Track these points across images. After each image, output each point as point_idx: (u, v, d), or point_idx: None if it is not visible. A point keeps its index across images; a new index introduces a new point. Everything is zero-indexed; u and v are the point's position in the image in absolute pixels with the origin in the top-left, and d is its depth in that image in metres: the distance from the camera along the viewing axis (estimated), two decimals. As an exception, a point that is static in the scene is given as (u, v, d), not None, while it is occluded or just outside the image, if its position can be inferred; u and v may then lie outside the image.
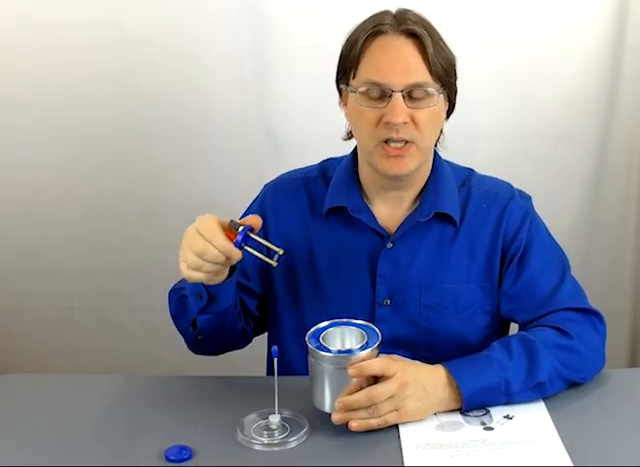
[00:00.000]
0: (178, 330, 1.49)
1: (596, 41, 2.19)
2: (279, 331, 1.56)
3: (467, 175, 1.54)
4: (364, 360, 1.23)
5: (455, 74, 1.43)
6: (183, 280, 1.39)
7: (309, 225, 1.53)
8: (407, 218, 1.48)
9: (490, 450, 1.20)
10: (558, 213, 2.26)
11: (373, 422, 1.24)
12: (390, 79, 1.36)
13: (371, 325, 1.30)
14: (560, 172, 2.30)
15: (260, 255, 1.30)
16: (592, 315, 1.43)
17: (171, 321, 1.49)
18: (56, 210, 2.32)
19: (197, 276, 1.30)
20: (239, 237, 1.27)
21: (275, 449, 1.22)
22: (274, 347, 1.26)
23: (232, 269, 1.36)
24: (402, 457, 1.19)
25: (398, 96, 1.36)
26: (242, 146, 2.27)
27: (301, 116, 2.23)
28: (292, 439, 1.23)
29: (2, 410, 1.37)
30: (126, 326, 2.42)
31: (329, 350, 1.24)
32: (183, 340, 1.51)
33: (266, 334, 1.63)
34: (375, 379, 1.25)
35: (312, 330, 1.29)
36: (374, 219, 1.48)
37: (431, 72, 1.37)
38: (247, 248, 1.29)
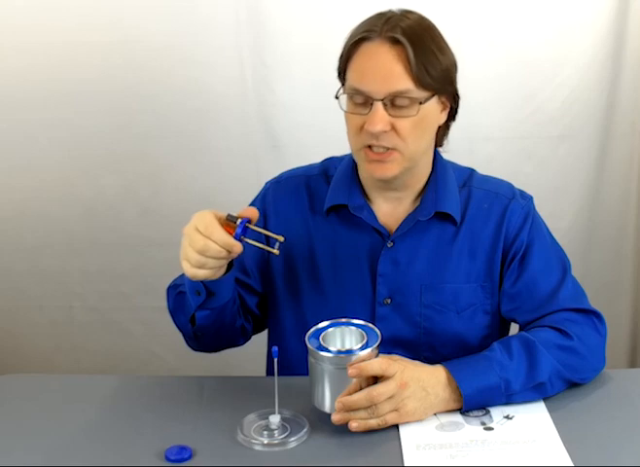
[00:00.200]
0: (176, 326, 1.49)
1: (596, 41, 2.19)
2: (279, 329, 1.56)
3: (468, 175, 1.54)
4: (364, 360, 1.23)
5: (452, 79, 1.41)
6: (181, 276, 1.39)
7: (310, 223, 1.53)
8: (407, 217, 1.48)
9: (490, 450, 1.20)
10: (558, 213, 2.26)
11: (373, 423, 1.24)
12: (371, 87, 1.35)
13: (370, 325, 1.30)
14: (560, 172, 2.30)
15: (260, 245, 1.30)
16: (593, 316, 1.43)
17: (171, 321, 1.49)
18: (56, 210, 2.32)
19: (202, 274, 1.29)
20: (238, 230, 1.27)
21: (275, 449, 1.22)
22: (274, 348, 1.26)
23: (230, 265, 1.36)
24: (402, 457, 1.19)
25: (378, 105, 1.35)
26: (242, 146, 2.27)
27: (301, 116, 2.23)
28: (292, 439, 1.23)
29: (2, 410, 1.37)
30: (126, 326, 2.42)
31: (329, 351, 1.24)
32: (183, 339, 1.51)
33: (267, 333, 1.63)
34: (375, 380, 1.25)
35: (312, 330, 1.29)
36: (375, 217, 1.48)
37: (414, 80, 1.34)
38: (247, 240, 1.29)
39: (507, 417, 1.29)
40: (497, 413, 1.30)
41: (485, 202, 1.50)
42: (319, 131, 2.16)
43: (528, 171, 2.26)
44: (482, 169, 1.58)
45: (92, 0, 2.17)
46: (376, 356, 1.26)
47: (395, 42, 1.35)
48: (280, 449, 1.22)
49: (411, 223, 1.47)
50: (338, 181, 1.52)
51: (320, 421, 1.27)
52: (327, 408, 1.26)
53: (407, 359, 1.30)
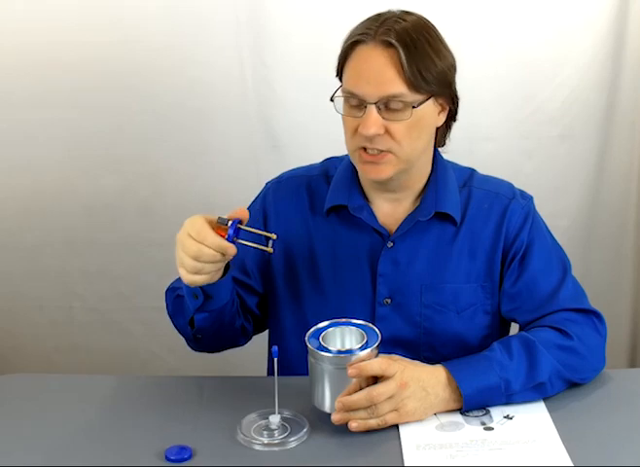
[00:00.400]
0: (176, 328, 1.49)
1: (596, 41, 2.19)
2: (279, 329, 1.56)
3: (468, 175, 1.54)
4: (363, 360, 1.23)
5: (449, 82, 1.41)
6: (179, 279, 1.39)
7: (310, 223, 1.53)
8: (407, 217, 1.48)
9: (490, 450, 1.20)
10: (558, 213, 2.26)
11: (373, 423, 1.24)
12: (364, 90, 1.35)
13: (370, 325, 1.30)
14: (560, 172, 2.30)
15: (254, 244, 1.29)
16: (593, 316, 1.43)
17: (171, 321, 1.50)
18: (56, 210, 2.32)
19: (199, 279, 1.29)
20: (230, 231, 1.26)
21: (275, 448, 1.22)
22: (274, 347, 1.26)
23: (227, 267, 1.36)
24: (402, 457, 1.19)
25: (371, 108, 1.35)
26: (242, 146, 2.27)
27: (301, 116, 2.23)
28: (292, 439, 1.23)
29: (2, 410, 1.37)
30: (126, 326, 2.42)
31: (329, 351, 1.24)
32: (183, 338, 1.51)
33: (267, 333, 1.63)
34: (375, 380, 1.25)
35: (312, 330, 1.29)
36: (375, 218, 1.48)
37: (407, 83, 1.34)
38: (240, 241, 1.28)
39: (507, 417, 1.29)
40: (497, 413, 1.30)
41: (486, 202, 1.50)
42: (319, 132, 2.16)
43: (528, 171, 2.26)
44: (482, 169, 1.58)
45: (92, 0, 2.16)
46: (376, 356, 1.26)
47: (388, 45, 1.34)
48: (280, 448, 1.22)
49: (411, 223, 1.47)
50: (338, 181, 1.52)
51: (320, 421, 1.27)
52: (327, 408, 1.26)
53: (406, 359, 1.30)
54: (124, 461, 1.20)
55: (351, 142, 1.40)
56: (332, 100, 1.41)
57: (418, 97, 1.36)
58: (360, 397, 1.23)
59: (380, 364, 1.24)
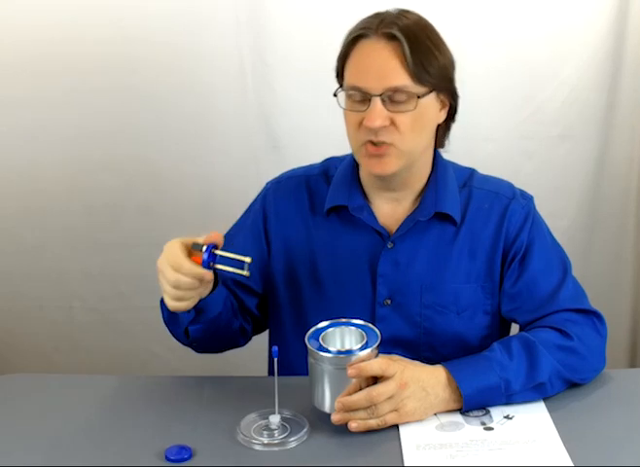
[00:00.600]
0: (172, 336, 1.49)
1: (596, 41, 2.19)
2: (280, 330, 1.56)
3: (468, 175, 1.54)
4: (363, 360, 1.23)
5: (450, 77, 1.42)
6: None
7: (310, 224, 1.53)
8: (407, 218, 1.48)
9: (490, 450, 1.20)
10: (558, 212, 2.26)
11: (373, 423, 1.24)
12: (368, 83, 1.36)
13: (370, 325, 1.30)
14: (560, 172, 2.30)
15: (230, 268, 1.28)
16: (593, 316, 1.43)
17: (167, 329, 1.49)
18: (56, 210, 2.32)
19: (183, 305, 1.31)
20: (205, 256, 1.26)
21: (275, 448, 1.22)
22: (274, 347, 1.26)
23: (217, 278, 1.36)
24: (402, 457, 1.19)
25: (376, 100, 1.35)
26: (242, 146, 2.27)
27: (301, 116, 2.23)
28: (292, 439, 1.23)
29: (2, 410, 1.37)
30: (126, 326, 2.42)
31: (328, 351, 1.24)
32: (183, 339, 1.51)
33: (267, 334, 1.63)
34: (375, 380, 1.25)
35: (312, 330, 1.29)
36: (375, 218, 1.48)
37: (411, 75, 1.35)
38: (217, 266, 1.28)
39: (507, 417, 1.29)
40: (497, 413, 1.30)
41: (486, 202, 1.50)
42: (319, 132, 2.16)
43: (528, 171, 2.26)
44: (482, 169, 1.58)
45: (92, 0, 2.17)
46: (376, 356, 1.26)
47: (391, 38, 1.36)
48: (280, 448, 1.22)
49: (411, 223, 1.47)
50: (339, 182, 1.52)
51: (320, 421, 1.27)
52: (327, 408, 1.26)
53: (406, 359, 1.30)
54: (124, 461, 1.20)
55: (355, 138, 1.40)
56: (335, 95, 1.42)
57: (421, 90, 1.37)
58: (360, 397, 1.23)
59: (380, 364, 1.24)
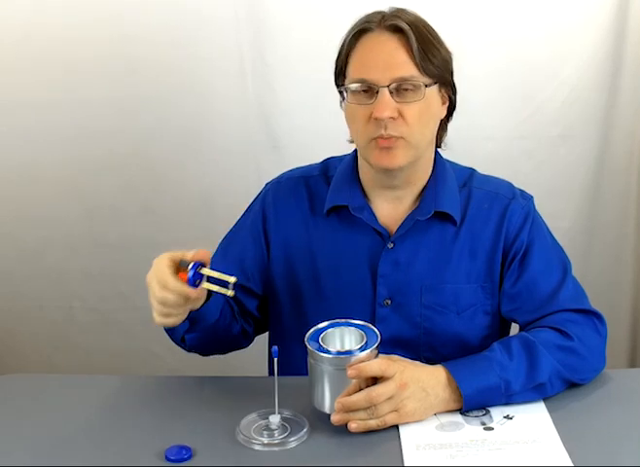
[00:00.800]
0: (172, 342, 1.49)
1: (597, 41, 2.19)
2: (280, 330, 1.56)
3: (468, 175, 1.54)
4: (363, 361, 1.23)
5: (451, 71, 1.44)
6: None
7: (310, 224, 1.52)
8: (407, 217, 1.48)
9: (490, 450, 1.20)
10: (558, 213, 2.26)
11: (373, 423, 1.24)
12: (376, 75, 1.37)
13: (370, 325, 1.30)
14: (560, 172, 2.30)
15: (214, 287, 1.27)
16: (593, 316, 1.43)
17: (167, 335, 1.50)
18: (57, 210, 2.32)
19: (170, 322, 1.31)
20: (190, 274, 1.25)
21: (275, 448, 1.22)
22: (274, 347, 1.26)
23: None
24: (402, 457, 1.19)
25: (384, 91, 1.36)
26: (242, 146, 2.27)
27: (301, 116, 2.23)
28: (292, 439, 1.23)
29: (2, 410, 1.37)
30: (126, 326, 2.42)
31: (328, 352, 1.24)
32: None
33: (268, 334, 1.63)
34: (375, 380, 1.25)
35: (311, 331, 1.29)
36: (375, 218, 1.48)
37: (417, 66, 1.37)
38: (203, 284, 1.27)
39: (507, 417, 1.29)
40: (497, 413, 1.30)
41: (486, 202, 1.50)
42: (319, 132, 2.16)
43: (528, 171, 2.26)
44: (482, 169, 1.58)
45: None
46: (376, 357, 1.26)
47: (396, 31, 1.38)
48: (280, 448, 1.22)
49: (411, 223, 1.47)
50: (339, 181, 1.52)
51: (320, 421, 1.27)
52: (326, 408, 1.26)
53: (406, 359, 1.30)
54: (124, 461, 1.20)
55: (364, 133, 1.40)
56: (340, 92, 1.43)
57: (427, 80, 1.38)
58: (359, 398, 1.23)
59: (380, 365, 1.24)
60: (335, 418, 1.24)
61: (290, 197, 1.55)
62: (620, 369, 1.88)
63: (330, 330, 1.29)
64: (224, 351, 1.55)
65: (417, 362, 1.31)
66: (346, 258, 1.49)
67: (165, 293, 1.25)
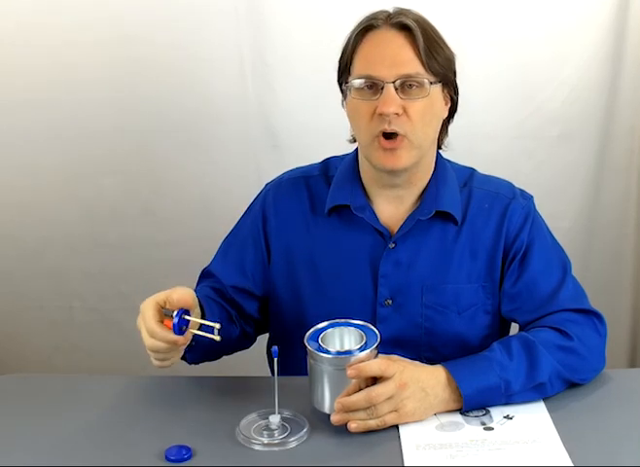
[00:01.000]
0: None
1: (596, 41, 2.19)
2: (281, 331, 1.56)
3: (469, 175, 1.54)
4: (363, 361, 1.23)
5: (454, 70, 1.44)
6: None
7: (310, 224, 1.52)
8: (408, 217, 1.47)
9: (490, 450, 1.20)
10: (558, 213, 2.26)
11: (373, 423, 1.24)
12: (381, 71, 1.37)
13: (369, 325, 1.30)
14: (560, 172, 2.30)
15: (200, 332, 1.28)
16: (593, 316, 1.43)
17: (171, 321, 1.50)
18: (57, 210, 2.32)
19: (168, 364, 1.32)
20: (175, 321, 1.25)
21: (275, 448, 1.22)
22: (274, 347, 1.25)
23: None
24: (402, 457, 1.19)
25: (389, 87, 1.37)
26: (242, 146, 2.27)
27: (301, 115, 2.23)
28: (292, 439, 1.23)
29: (2, 410, 1.37)
30: (126, 326, 2.39)
31: (328, 352, 1.24)
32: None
33: (268, 334, 1.63)
34: (375, 380, 1.25)
35: (311, 331, 1.29)
36: (376, 218, 1.48)
37: (423, 63, 1.38)
38: (189, 330, 1.27)
39: (507, 417, 1.29)
40: (497, 413, 1.30)
41: (486, 202, 1.50)
42: (319, 131, 2.16)
43: (528, 171, 2.26)
44: (482, 169, 1.58)
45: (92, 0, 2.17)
46: (376, 357, 1.26)
47: (402, 28, 1.39)
48: (280, 448, 1.22)
49: (412, 223, 1.47)
50: (340, 181, 1.52)
51: (320, 421, 1.27)
52: (326, 408, 1.26)
53: (406, 359, 1.30)
54: (124, 461, 1.21)
55: (368, 129, 1.40)
56: (343, 91, 1.43)
57: (432, 78, 1.39)
58: (359, 398, 1.23)
59: (379, 365, 1.24)
60: (334, 418, 1.24)
61: (290, 198, 1.54)
62: (620, 369, 1.88)
63: (329, 330, 1.29)
64: (228, 353, 1.55)
65: (417, 362, 1.31)
66: (347, 258, 1.49)
67: (153, 341, 1.26)
